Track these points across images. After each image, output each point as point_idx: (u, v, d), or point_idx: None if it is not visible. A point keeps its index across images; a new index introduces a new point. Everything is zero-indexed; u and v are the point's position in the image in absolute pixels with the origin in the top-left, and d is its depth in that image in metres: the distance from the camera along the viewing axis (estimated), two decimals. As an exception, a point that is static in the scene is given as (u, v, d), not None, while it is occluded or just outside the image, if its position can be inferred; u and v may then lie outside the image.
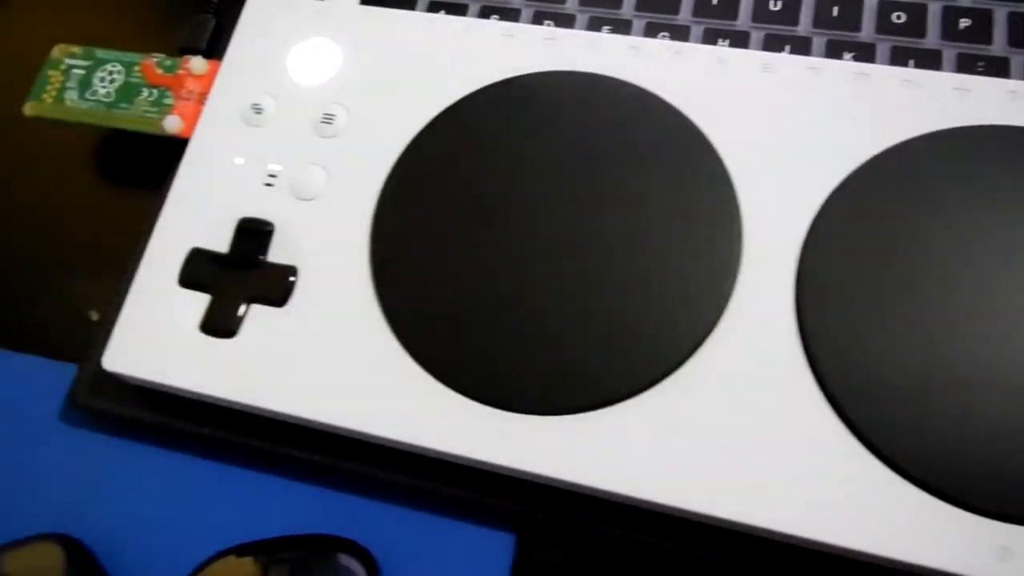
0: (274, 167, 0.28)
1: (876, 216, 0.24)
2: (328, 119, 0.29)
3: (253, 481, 0.27)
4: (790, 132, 0.26)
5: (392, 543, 0.25)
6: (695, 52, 0.28)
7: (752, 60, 0.27)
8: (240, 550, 0.24)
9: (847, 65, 0.27)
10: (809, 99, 0.26)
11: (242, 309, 0.26)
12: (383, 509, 0.26)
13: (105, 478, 0.27)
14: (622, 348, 0.24)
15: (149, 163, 0.33)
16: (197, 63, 0.32)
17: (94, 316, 0.31)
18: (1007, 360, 0.22)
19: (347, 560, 0.24)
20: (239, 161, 0.29)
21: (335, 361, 0.25)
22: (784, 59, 0.27)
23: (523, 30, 0.29)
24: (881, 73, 0.27)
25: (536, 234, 0.26)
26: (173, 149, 0.30)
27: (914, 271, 0.24)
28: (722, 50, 0.28)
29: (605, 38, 0.29)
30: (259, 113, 0.29)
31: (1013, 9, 0.30)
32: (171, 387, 0.26)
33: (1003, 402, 0.22)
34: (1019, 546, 0.21)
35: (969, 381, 0.22)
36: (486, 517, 0.25)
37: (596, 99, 0.27)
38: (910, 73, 0.26)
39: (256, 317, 0.26)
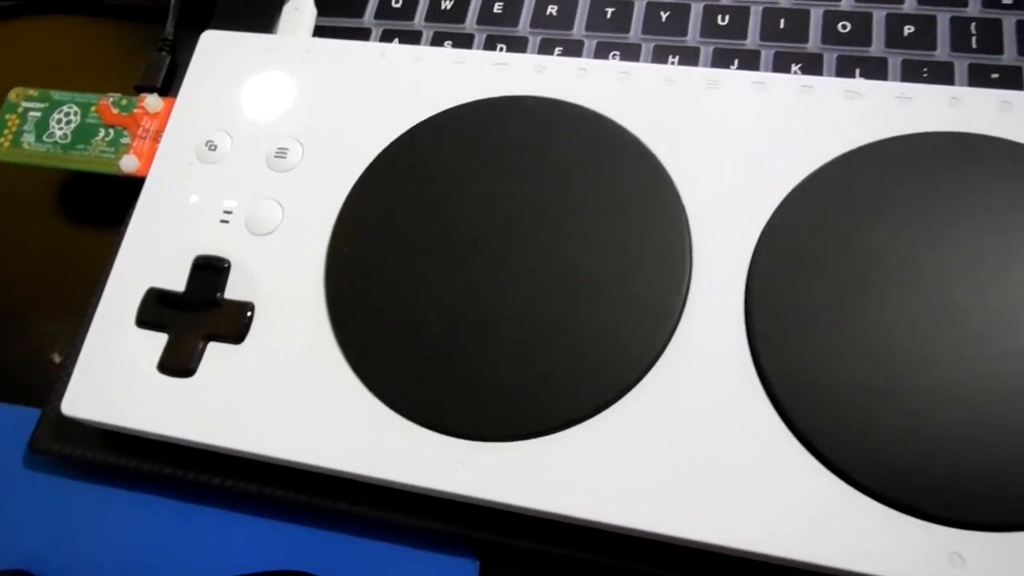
0: (229, 203, 0.28)
1: (823, 227, 0.25)
2: (282, 153, 0.29)
3: (216, 519, 0.27)
4: (737, 147, 0.26)
5: (356, 575, 0.25)
6: (642, 72, 0.28)
7: (698, 77, 0.28)
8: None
9: (791, 78, 0.27)
10: (755, 114, 0.27)
11: (199, 348, 0.26)
12: (347, 541, 0.26)
13: (68, 521, 0.27)
14: (574, 372, 0.24)
15: (110, 203, 0.33)
16: (152, 101, 0.32)
17: (57, 359, 0.31)
18: (955, 369, 0.22)
19: (312, 594, 0.24)
20: (194, 199, 0.29)
21: (293, 396, 0.25)
22: (729, 75, 0.27)
23: (473, 56, 0.29)
24: (824, 85, 0.27)
25: (488, 261, 0.26)
26: (132, 188, 0.30)
27: (862, 281, 0.24)
28: (669, 68, 0.28)
29: (553, 61, 0.29)
30: (213, 150, 0.29)
31: (955, 14, 0.30)
32: (130, 429, 0.26)
33: (951, 411, 0.22)
34: (969, 551, 0.21)
35: (918, 391, 0.22)
36: (448, 545, 0.25)
37: (545, 122, 0.28)
38: (853, 83, 0.27)
39: (214, 355, 0.26)
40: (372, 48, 0.30)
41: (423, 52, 0.30)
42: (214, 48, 0.31)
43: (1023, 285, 0.23)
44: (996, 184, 0.24)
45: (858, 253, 0.24)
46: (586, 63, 0.28)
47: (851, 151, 0.26)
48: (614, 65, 0.28)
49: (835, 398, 0.23)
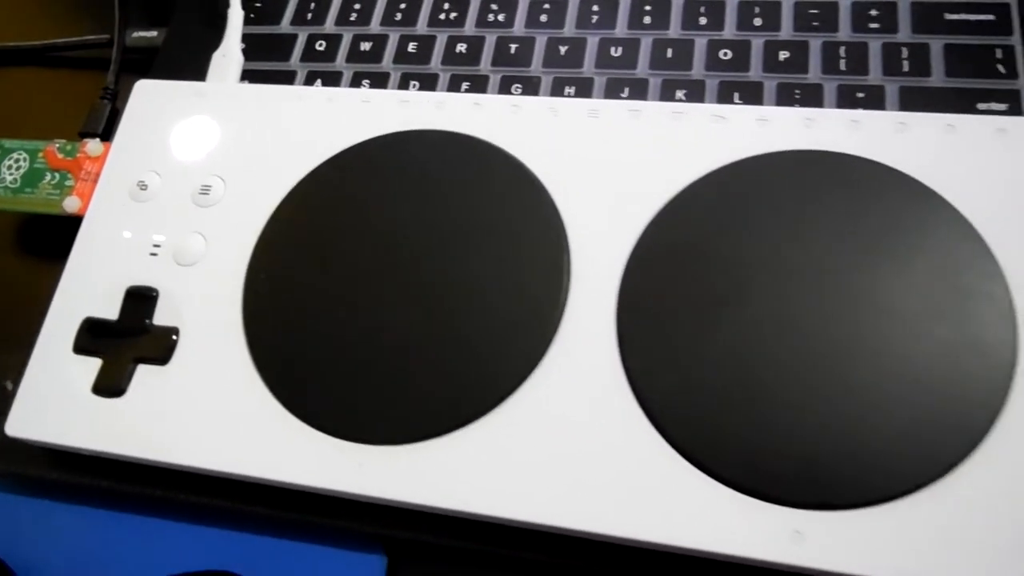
0: (158, 237, 0.31)
1: (688, 241, 0.27)
2: (206, 190, 0.31)
3: (148, 526, 0.29)
4: (613, 170, 0.29)
5: (272, 573, 0.28)
6: (530, 104, 0.31)
7: (580, 107, 0.30)
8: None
9: (664, 106, 0.30)
10: (630, 139, 0.29)
11: (129, 370, 0.29)
12: (266, 542, 0.28)
13: (14, 533, 0.29)
14: (463, 378, 0.26)
15: (58, 240, 0.35)
16: (93, 146, 0.35)
17: (9, 387, 0.33)
18: (797, 367, 0.25)
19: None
20: (127, 235, 0.31)
21: (213, 412, 0.28)
22: (608, 104, 0.30)
23: (379, 95, 0.32)
24: (694, 111, 0.29)
25: (386, 282, 0.28)
26: (76, 226, 0.33)
27: (721, 288, 0.26)
28: (554, 100, 0.30)
29: (452, 97, 0.31)
30: (144, 189, 0.32)
31: (827, 39, 0.33)
32: (69, 447, 0.28)
33: (794, 406, 0.24)
34: (809, 529, 0.23)
35: (765, 388, 0.25)
36: (358, 542, 0.28)
37: (441, 153, 0.30)
38: (719, 109, 0.29)
39: (142, 376, 0.29)
40: (289, 91, 0.33)
41: (335, 93, 0.32)
42: (147, 95, 0.34)
43: (861, 290, 0.25)
44: (843, 196, 0.27)
45: (718, 263, 0.27)
46: (480, 98, 0.31)
47: (715, 170, 0.28)
48: (506, 99, 0.31)
49: (695, 397, 0.25)
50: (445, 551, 0.28)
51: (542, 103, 0.30)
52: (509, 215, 0.29)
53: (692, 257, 0.27)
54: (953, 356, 0.24)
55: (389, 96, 0.32)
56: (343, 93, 0.32)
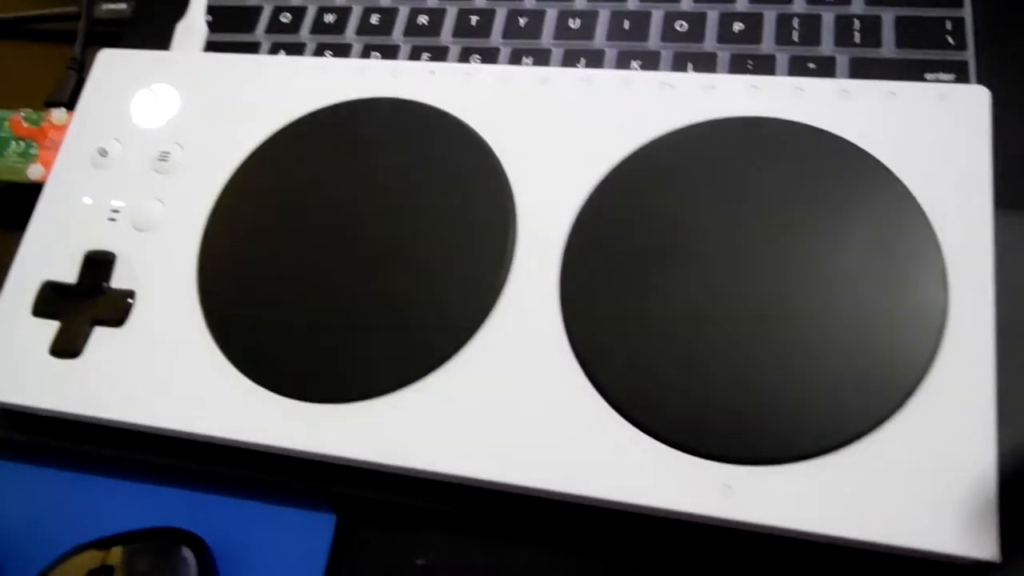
0: (117, 203, 0.32)
1: (630, 205, 0.28)
2: (164, 157, 0.32)
3: (103, 485, 0.30)
4: (562, 136, 0.29)
5: (225, 531, 0.28)
6: (483, 72, 0.31)
7: (531, 75, 0.31)
8: (80, 548, 0.27)
9: (613, 73, 0.30)
10: (579, 106, 0.30)
11: (87, 332, 0.29)
12: (218, 501, 0.29)
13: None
14: (410, 338, 0.27)
15: (25, 209, 0.36)
16: (58, 115, 0.35)
17: (-26, 350, 0.34)
18: (733, 327, 0.25)
19: (181, 549, 0.27)
20: (87, 200, 0.32)
21: (166, 371, 0.28)
22: (559, 72, 0.30)
23: (337, 64, 0.32)
24: (642, 78, 0.30)
25: (336, 244, 0.29)
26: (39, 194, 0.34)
27: (659, 250, 0.27)
28: (506, 69, 0.31)
29: (407, 66, 0.32)
30: (104, 156, 0.32)
31: (781, 11, 0.33)
32: (27, 407, 0.29)
33: (728, 364, 0.25)
34: (738, 483, 0.24)
35: (698, 347, 0.25)
36: (309, 501, 0.28)
37: (395, 120, 0.31)
38: (667, 76, 0.30)
39: (99, 338, 0.29)
40: (248, 60, 0.33)
41: (292, 62, 0.33)
42: (110, 64, 0.35)
43: (798, 252, 0.26)
44: (784, 162, 0.27)
45: (658, 226, 0.27)
46: (435, 66, 0.32)
47: (661, 136, 0.29)
48: (459, 67, 0.31)
49: (630, 354, 0.26)
50: (394, 509, 0.28)
51: (494, 71, 0.31)
52: (459, 180, 0.29)
53: (634, 221, 0.27)
54: (885, 316, 0.25)
55: (346, 65, 0.32)
56: (301, 62, 0.33)
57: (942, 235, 0.25)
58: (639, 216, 0.27)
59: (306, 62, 0.33)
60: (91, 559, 0.27)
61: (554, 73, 0.30)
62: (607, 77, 0.30)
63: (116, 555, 0.27)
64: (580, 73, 0.30)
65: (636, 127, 0.29)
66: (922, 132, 0.27)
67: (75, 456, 0.30)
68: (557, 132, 0.29)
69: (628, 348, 0.26)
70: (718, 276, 0.26)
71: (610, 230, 0.27)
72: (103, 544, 0.28)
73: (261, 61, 0.33)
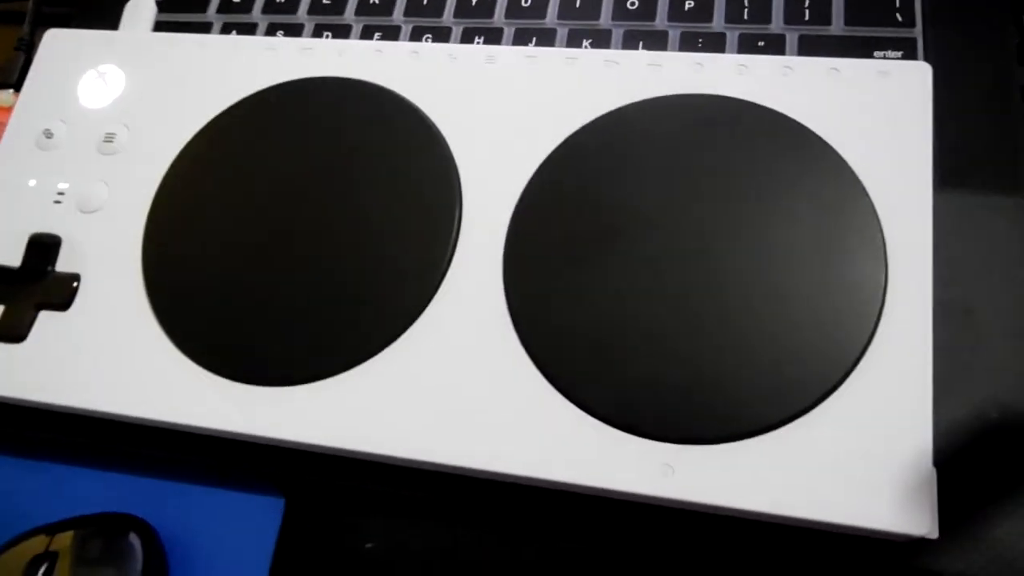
0: (62, 185, 0.31)
1: (572, 184, 0.27)
2: (110, 138, 0.32)
3: (50, 470, 0.29)
4: (507, 114, 0.29)
5: (172, 516, 0.28)
6: (430, 51, 0.31)
7: (478, 53, 0.30)
8: (25, 535, 0.27)
9: (559, 51, 0.30)
10: (524, 83, 0.29)
11: (31, 316, 0.29)
12: (166, 486, 0.29)
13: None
14: (354, 320, 0.27)
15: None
16: (3, 96, 0.35)
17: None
18: (672, 306, 0.25)
19: (128, 534, 0.27)
20: (32, 183, 0.31)
21: (111, 355, 0.28)
22: (505, 50, 0.30)
23: (283, 43, 0.32)
24: (587, 56, 0.30)
25: (279, 225, 0.29)
26: (-12, 177, 0.33)
27: (603, 228, 0.27)
28: (453, 47, 0.31)
29: (353, 45, 0.32)
30: (50, 137, 0.32)
31: (732, -11, 0.33)
32: (-30, 392, 0.29)
33: (668, 343, 0.25)
34: (678, 462, 0.24)
35: (640, 329, 0.25)
36: (257, 484, 0.28)
37: (340, 100, 0.30)
38: (612, 54, 0.29)
39: (44, 322, 0.29)
40: (194, 39, 0.33)
41: (239, 41, 0.33)
42: (56, 44, 0.34)
43: (737, 229, 0.26)
44: (726, 139, 0.27)
45: (599, 205, 0.27)
46: (381, 45, 0.31)
47: (604, 114, 0.28)
48: (405, 46, 0.31)
49: (571, 334, 0.26)
50: (341, 492, 0.28)
51: (441, 49, 0.31)
52: (404, 160, 0.29)
53: (575, 199, 0.27)
54: (824, 292, 0.25)
55: (292, 44, 0.32)
56: (247, 41, 0.32)
57: (881, 209, 0.26)
58: (582, 195, 0.27)
59: (253, 42, 0.32)
60: (37, 544, 0.27)
61: (500, 51, 0.30)
62: (553, 55, 0.30)
63: (61, 541, 0.27)
64: (526, 51, 0.30)
65: (581, 105, 0.29)
66: (864, 108, 0.27)
67: (21, 442, 0.30)
68: (502, 111, 0.29)
69: (569, 328, 0.26)
70: (659, 255, 0.26)
71: (553, 209, 0.27)
72: (48, 530, 0.28)
73: (206, 41, 0.33)
